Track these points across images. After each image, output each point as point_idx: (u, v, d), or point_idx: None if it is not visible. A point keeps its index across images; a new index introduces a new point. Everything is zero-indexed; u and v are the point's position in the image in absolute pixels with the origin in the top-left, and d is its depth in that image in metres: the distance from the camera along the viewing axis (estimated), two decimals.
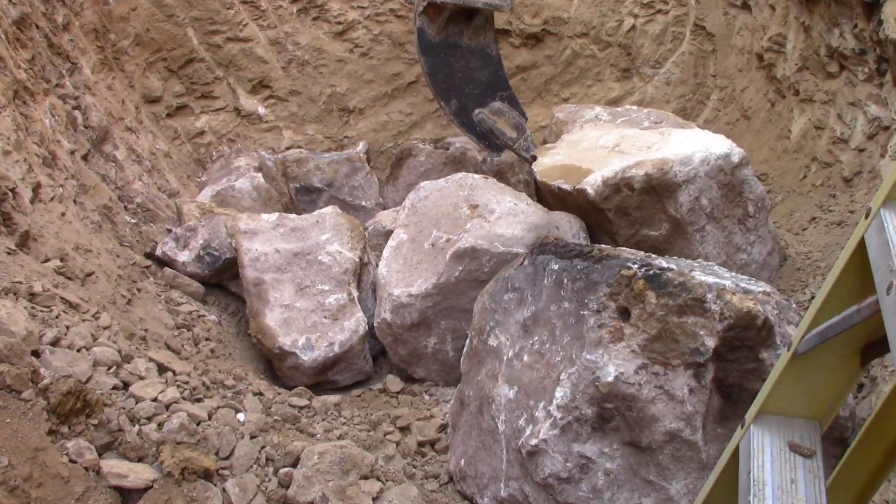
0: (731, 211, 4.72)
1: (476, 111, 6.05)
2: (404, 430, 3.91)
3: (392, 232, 4.91)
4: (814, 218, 5.35)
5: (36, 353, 2.81)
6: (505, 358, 3.26)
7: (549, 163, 5.11)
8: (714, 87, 7.62)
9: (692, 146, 4.68)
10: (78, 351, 3.02)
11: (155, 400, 3.03)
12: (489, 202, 4.65)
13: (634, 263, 2.89)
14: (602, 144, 5.08)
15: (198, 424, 3.01)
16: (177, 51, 7.17)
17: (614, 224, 4.70)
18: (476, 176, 4.98)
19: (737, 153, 4.63)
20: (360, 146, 7.29)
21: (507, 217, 4.53)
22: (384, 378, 4.68)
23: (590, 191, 4.55)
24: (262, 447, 3.07)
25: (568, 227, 4.61)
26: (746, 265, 4.80)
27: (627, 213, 4.64)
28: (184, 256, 4.94)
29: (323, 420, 3.85)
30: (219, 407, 3.26)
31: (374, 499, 2.93)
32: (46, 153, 4.41)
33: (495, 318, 3.41)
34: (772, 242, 4.87)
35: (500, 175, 6.43)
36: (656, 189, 4.53)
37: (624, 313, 2.83)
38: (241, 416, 3.30)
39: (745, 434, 1.88)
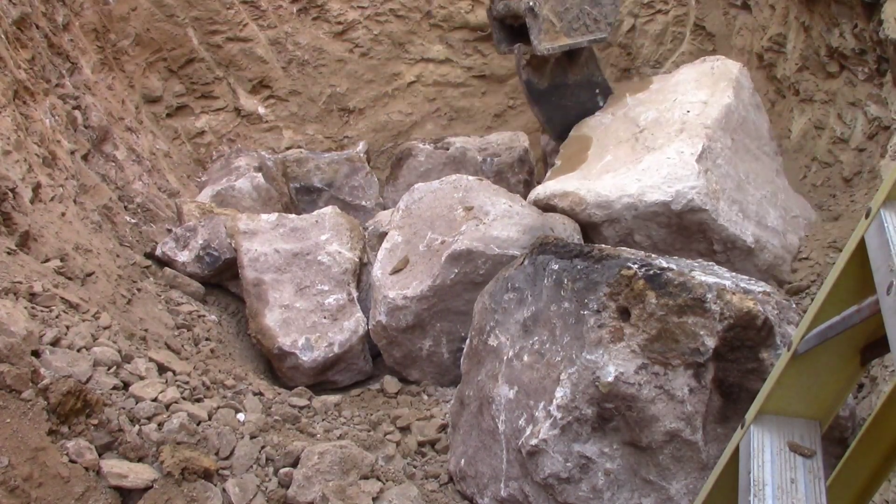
0: (687, 245, 4.50)
1: None
2: (404, 430, 3.91)
3: (386, 234, 4.91)
4: None
5: (36, 353, 2.81)
6: (505, 358, 3.26)
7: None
8: None
9: (627, 187, 4.46)
10: (78, 351, 3.02)
11: (155, 400, 3.03)
12: (484, 204, 4.64)
13: (634, 263, 2.89)
14: (604, 162, 5.07)
15: (198, 424, 3.01)
16: (177, 51, 7.17)
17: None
18: (470, 178, 4.97)
19: (682, 201, 4.27)
20: (360, 146, 7.29)
21: (502, 219, 4.52)
22: (382, 379, 4.68)
23: (531, 198, 4.84)
24: (262, 447, 3.08)
25: (562, 228, 4.61)
26: None
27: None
28: (184, 256, 4.94)
29: (323, 420, 3.85)
30: (219, 407, 3.26)
31: (374, 499, 2.93)
32: (46, 153, 4.41)
33: (495, 318, 3.41)
34: (767, 279, 4.44)
35: (500, 175, 6.42)
36: (580, 223, 4.64)
37: (624, 313, 2.83)
38: (241, 416, 3.30)
39: (745, 434, 1.88)
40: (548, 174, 5.27)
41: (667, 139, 4.78)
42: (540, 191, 4.89)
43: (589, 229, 4.69)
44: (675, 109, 5.05)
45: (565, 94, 5.82)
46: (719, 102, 4.93)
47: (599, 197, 4.55)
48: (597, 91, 5.89)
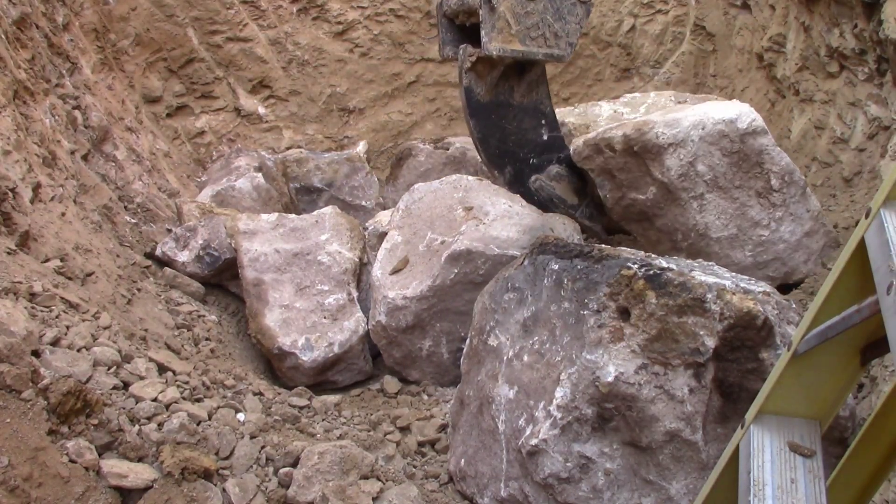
0: (746, 182, 4.39)
1: (532, 178, 5.22)
2: (404, 430, 3.91)
3: (386, 234, 4.90)
4: None
5: (36, 353, 2.81)
6: (505, 358, 3.26)
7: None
8: (714, 86, 7.63)
9: (693, 110, 4.43)
10: (78, 351, 3.02)
11: (155, 400, 3.03)
12: (484, 204, 4.64)
13: (634, 263, 2.89)
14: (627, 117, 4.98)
15: (198, 424, 3.01)
16: (177, 51, 7.17)
17: (599, 186, 4.69)
18: (470, 178, 4.97)
19: (746, 119, 4.28)
20: (360, 146, 7.30)
21: (502, 219, 4.52)
22: (382, 379, 4.68)
23: (572, 150, 4.61)
24: (262, 447, 3.08)
25: (562, 228, 4.61)
26: (771, 243, 4.51)
27: (612, 175, 4.58)
28: (184, 256, 4.95)
29: (323, 420, 3.85)
30: (219, 407, 3.26)
31: (374, 499, 2.93)
32: (46, 153, 4.41)
33: (495, 318, 3.41)
34: (812, 223, 4.52)
35: None
36: (638, 151, 4.37)
37: (624, 313, 2.83)
38: (241, 416, 3.30)
39: (745, 434, 1.88)
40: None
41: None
42: (589, 134, 4.61)
43: (648, 159, 4.43)
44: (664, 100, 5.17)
45: (507, 116, 5.16)
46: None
47: (666, 118, 4.39)
48: (542, 122, 5.24)
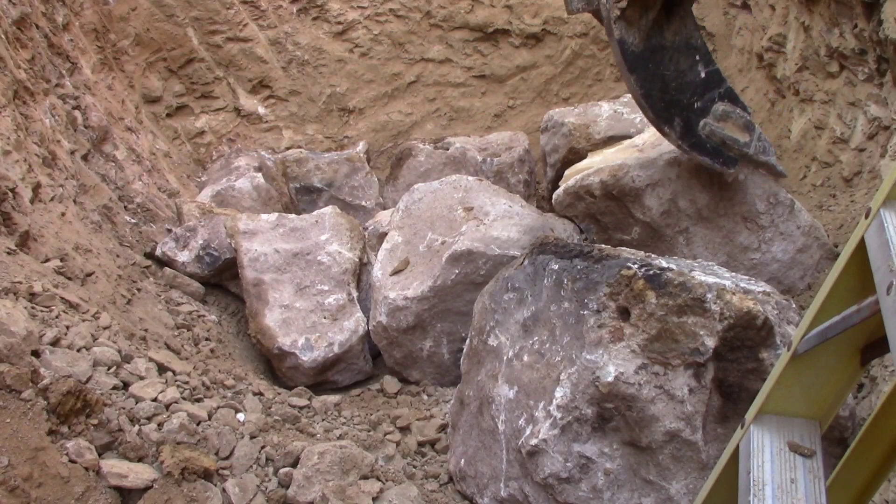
0: (730, 210, 4.43)
1: (701, 124, 4.69)
2: (404, 430, 3.91)
3: (386, 234, 4.90)
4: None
5: (36, 353, 2.81)
6: (505, 358, 3.26)
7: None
8: None
9: (663, 145, 4.43)
10: (78, 351, 3.02)
11: (155, 400, 3.03)
12: (484, 204, 4.64)
13: (634, 263, 2.89)
14: (633, 143, 4.96)
15: (198, 424, 3.01)
16: (177, 51, 7.17)
17: (584, 230, 4.73)
18: (470, 178, 4.97)
19: None
20: (360, 146, 7.29)
21: (503, 219, 4.52)
22: (382, 379, 4.68)
23: (554, 199, 4.68)
24: (262, 447, 3.08)
25: (562, 229, 4.61)
26: (763, 265, 4.49)
27: (596, 220, 4.65)
28: (183, 256, 4.95)
29: (323, 420, 3.85)
30: (219, 407, 3.26)
31: (374, 499, 2.93)
32: (46, 153, 4.41)
33: (495, 318, 3.41)
34: (804, 239, 4.50)
35: (500, 175, 6.42)
36: (617, 195, 4.44)
37: (624, 313, 2.83)
38: (241, 416, 3.30)
39: (745, 434, 1.88)
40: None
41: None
42: (569, 182, 4.68)
43: (629, 202, 4.46)
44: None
45: (663, 61, 4.65)
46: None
47: (639, 158, 4.40)
48: (697, 58, 4.68)
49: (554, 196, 4.71)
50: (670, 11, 4.49)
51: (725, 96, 4.73)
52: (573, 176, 4.79)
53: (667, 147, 4.44)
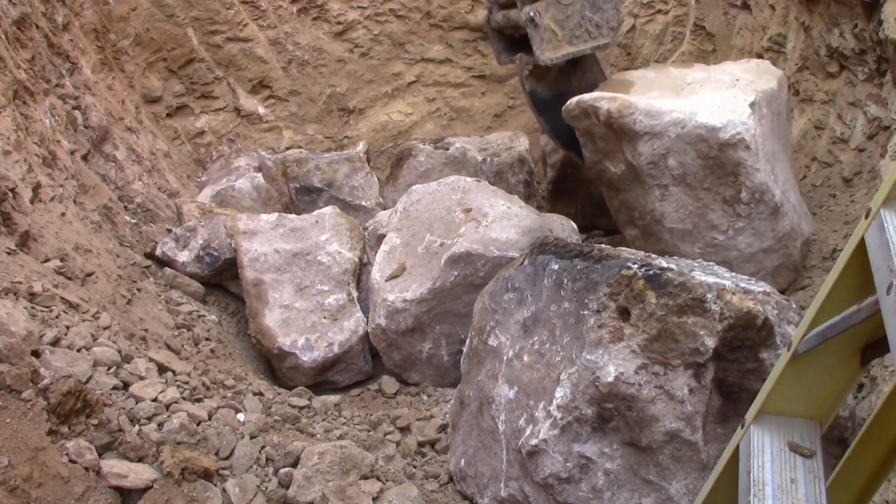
0: (715, 186, 4.48)
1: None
2: (404, 430, 3.91)
3: (384, 236, 4.90)
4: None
5: (36, 353, 2.81)
6: (505, 358, 3.26)
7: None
8: None
9: (680, 105, 4.47)
10: (78, 351, 3.02)
11: (155, 400, 3.03)
12: (482, 206, 4.64)
13: (634, 263, 2.89)
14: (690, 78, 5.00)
15: (198, 424, 3.01)
16: (177, 51, 7.17)
17: (582, 144, 4.90)
18: (468, 179, 4.96)
19: (731, 130, 4.27)
20: (360, 146, 7.28)
21: (501, 220, 4.51)
22: (380, 379, 4.68)
23: (567, 105, 4.78)
24: (262, 447, 3.08)
25: (560, 229, 4.60)
26: (722, 248, 4.61)
27: (594, 140, 4.79)
28: (183, 256, 4.95)
29: (323, 420, 3.85)
30: (219, 407, 3.26)
31: (374, 499, 2.93)
32: (46, 153, 4.41)
33: (495, 318, 3.41)
34: (773, 242, 4.56)
35: (500, 175, 6.42)
36: (615, 128, 4.53)
37: (624, 313, 2.83)
38: (241, 416, 3.30)
39: (745, 434, 1.88)
40: None
41: (716, 89, 4.77)
42: (584, 96, 4.74)
43: (624, 140, 4.56)
44: (724, 75, 5.00)
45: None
46: (766, 84, 4.90)
47: (650, 107, 4.45)
48: None
49: (566, 104, 4.81)
50: (575, 63, 5.55)
51: None
52: (607, 89, 4.90)
53: (683, 103, 4.50)
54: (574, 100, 4.76)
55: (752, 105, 4.46)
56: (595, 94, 4.75)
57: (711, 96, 4.63)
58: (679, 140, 4.40)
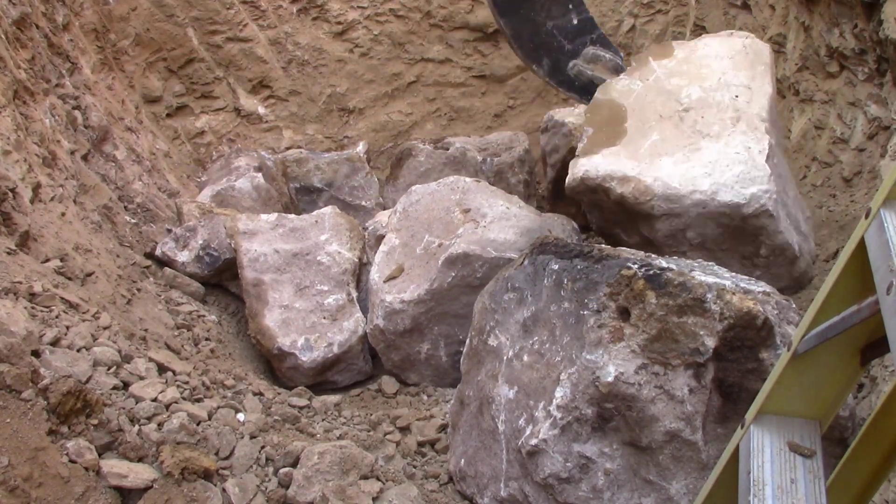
0: (734, 247, 4.31)
1: (570, 64, 5.35)
2: (404, 430, 3.91)
3: (383, 236, 4.89)
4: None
5: (36, 353, 2.81)
6: (505, 358, 3.26)
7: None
8: None
9: (698, 181, 4.15)
10: (78, 351, 3.02)
11: (155, 400, 3.03)
12: (481, 206, 4.63)
13: (634, 263, 2.89)
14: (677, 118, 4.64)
15: (198, 424, 3.01)
16: (177, 51, 7.17)
17: (587, 212, 4.73)
18: (467, 179, 4.95)
19: (755, 205, 4.05)
20: (360, 146, 7.29)
21: (500, 221, 4.50)
22: (380, 379, 4.68)
23: (568, 179, 4.53)
24: (262, 447, 3.08)
25: (560, 229, 4.60)
26: None
27: (602, 211, 4.61)
28: (183, 256, 4.95)
29: (323, 420, 3.85)
30: (219, 407, 3.26)
31: (374, 499, 2.93)
32: (46, 153, 4.41)
33: (495, 318, 3.41)
34: (793, 286, 4.40)
35: (500, 175, 6.42)
36: (628, 209, 4.32)
37: (624, 313, 2.83)
38: (241, 416, 3.30)
39: (745, 434, 1.88)
40: (583, 142, 4.68)
41: (723, 127, 4.45)
42: (589, 167, 4.39)
43: (640, 220, 4.35)
44: (722, 91, 4.64)
45: (534, 7, 5.28)
46: (763, 91, 4.61)
47: (668, 189, 4.18)
48: (570, 6, 5.32)
49: (569, 178, 4.50)
50: None
51: (598, 41, 5.46)
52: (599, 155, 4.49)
53: (701, 182, 4.21)
54: (578, 176, 4.42)
55: (767, 158, 4.24)
56: (601, 169, 4.36)
57: (724, 151, 4.29)
58: (700, 217, 4.19)
